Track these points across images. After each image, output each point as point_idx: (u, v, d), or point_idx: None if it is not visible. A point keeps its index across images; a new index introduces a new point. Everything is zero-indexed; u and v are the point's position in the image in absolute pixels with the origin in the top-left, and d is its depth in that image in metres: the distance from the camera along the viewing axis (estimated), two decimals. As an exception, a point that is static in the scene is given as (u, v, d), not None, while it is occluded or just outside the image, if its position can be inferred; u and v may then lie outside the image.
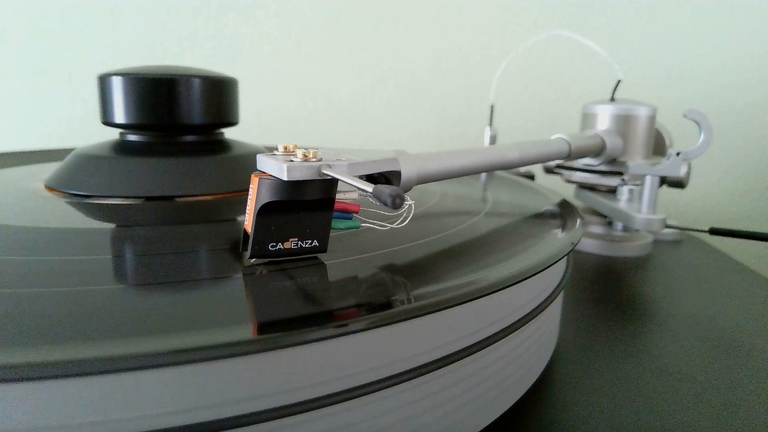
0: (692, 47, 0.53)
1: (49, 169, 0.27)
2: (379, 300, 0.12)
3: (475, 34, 0.54)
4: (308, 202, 0.14)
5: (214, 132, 0.26)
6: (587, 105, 0.35)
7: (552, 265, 0.16)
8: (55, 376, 0.09)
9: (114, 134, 0.26)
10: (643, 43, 0.54)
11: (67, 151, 0.35)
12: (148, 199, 0.21)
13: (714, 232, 0.31)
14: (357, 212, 0.16)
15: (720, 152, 0.54)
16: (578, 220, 0.21)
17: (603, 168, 0.34)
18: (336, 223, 0.15)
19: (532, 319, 0.16)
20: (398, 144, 0.56)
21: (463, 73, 0.55)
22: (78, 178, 0.22)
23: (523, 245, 0.17)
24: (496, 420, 0.16)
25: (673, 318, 0.24)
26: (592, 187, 0.37)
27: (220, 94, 0.24)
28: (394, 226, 0.16)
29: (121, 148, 0.24)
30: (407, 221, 0.16)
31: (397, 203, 0.12)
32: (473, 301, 0.13)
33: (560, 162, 0.37)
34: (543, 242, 0.18)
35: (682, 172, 0.31)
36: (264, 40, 0.53)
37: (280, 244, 0.14)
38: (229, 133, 0.27)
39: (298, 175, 0.13)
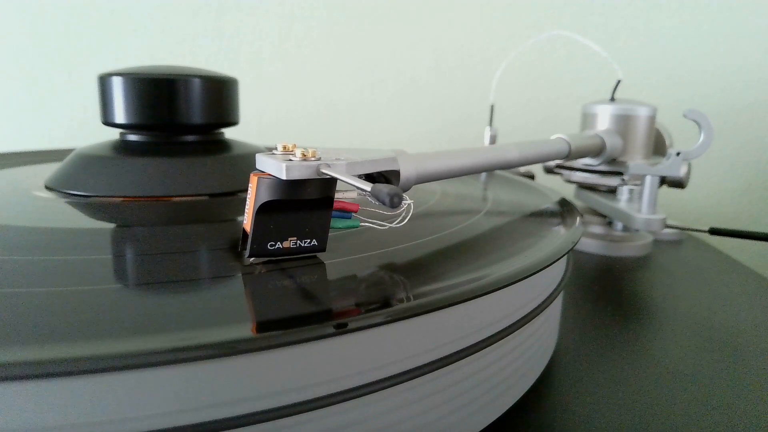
0: (692, 47, 0.53)
1: (49, 169, 0.27)
2: (379, 299, 0.12)
3: (475, 34, 0.54)
4: (307, 201, 0.14)
5: (214, 132, 0.26)
6: (587, 105, 0.35)
7: (552, 264, 0.16)
8: (55, 376, 0.09)
9: (114, 134, 0.26)
10: (643, 43, 0.54)
11: (67, 151, 0.35)
12: (148, 199, 0.21)
13: (714, 232, 0.31)
14: (356, 211, 0.16)
15: (720, 152, 0.54)
16: (578, 219, 0.21)
17: (603, 168, 0.34)
18: (335, 223, 0.15)
19: (532, 319, 0.16)
20: (398, 144, 0.56)
21: (463, 73, 0.55)
22: (78, 178, 0.22)
23: (523, 244, 0.17)
24: (496, 420, 0.16)
25: (673, 318, 0.24)
26: (592, 187, 0.37)
27: (220, 94, 0.24)
28: (393, 225, 0.16)
29: (122, 148, 0.24)
30: (406, 220, 0.16)
31: (395, 202, 0.12)
32: (473, 300, 0.13)
33: (560, 162, 0.37)
34: (543, 241, 0.18)
35: (682, 172, 0.31)
36: (264, 40, 0.53)
37: (279, 243, 0.14)
38: (229, 133, 0.27)
39: (297, 174, 0.13)
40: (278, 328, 0.11)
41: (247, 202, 0.14)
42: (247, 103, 0.51)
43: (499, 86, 0.47)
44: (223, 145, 0.25)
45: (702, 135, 0.30)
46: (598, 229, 0.37)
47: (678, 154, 0.30)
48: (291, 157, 0.14)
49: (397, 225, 0.16)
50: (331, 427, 0.12)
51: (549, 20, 0.53)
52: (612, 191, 0.36)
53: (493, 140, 0.40)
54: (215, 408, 0.10)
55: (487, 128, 0.40)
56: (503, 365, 0.16)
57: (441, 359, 0.13)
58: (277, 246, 0.14)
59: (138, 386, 0.10)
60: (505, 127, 0.52)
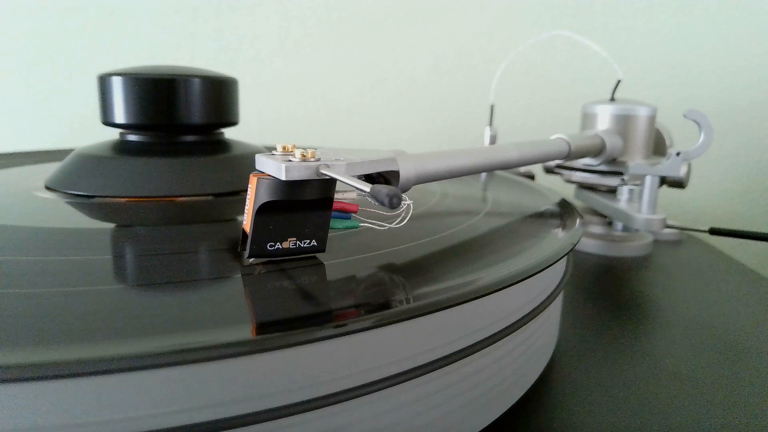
0: (692, 47, 0.53)
1: (49, 169, 0.27)
2: (378, 300, 0.12)
3: (475, 34, 0.54)
4: (306, 201, 0.14)
5: (214, 132, 0.26)
6: (587, 105, 0.35)
7: (552, 264, 0.16)
8: (55, 376, 0.09)
9: (114, 134, 0.26)
10: (643, 43, 0.53)
11: (67, 151, 0.35)
12: (148, 199, 0.21)
13: (714, 232, 0.31)
14: (355, 212, 0.16)
15: (720, 152, 0.54)
16: (578, 220, 0.21)
17: (603, 168, 0.34)
18: (334, 223, 0.15)
19: (532, 319, 0.16)
20: (398, 144, 0.56)
21: (463, 73, 0.55)
22: (78, 178, 0.22)
23: (523, 245, 0.17)
24: (496, 420, 0.16)
25: (672, 318, 0.24)
26: (592, 187, 0.37)
27: (220, 94, 0.24)
28: (392, 225, 0.16)
29: (121, 148, 0.24)
30: (405, 221, 0.16)
31: (394, 203, 0.12)
32: (473, 301, 0.13)
33: (560, 162, 0.37)
34: (543, 242, 0.18)
35: (682, 172, 0.31)
36: (264, 40, 0.53)
37: (278, 243, 0.14)
38: (229, 133, 0.27)
39: (296, 175, 0.13)
40: (278, 329, 0.11)
41: (247, 203, 0.14)
42: (247, 103, 0.51)
43: (499, 86, 0.47)
44: (223, 145, 0.25)
45: (702, 135, 0.30)
46: (598, 229, 0.37)
47: (678, 154, 0.30)
48: (290, 158, 0.14)
49: (397, 225, 0.16)
50: (331, 427, 0.12)
51: (549, 20, 0.53)
52: (612, 191, 0.36)
53: (493, 140, 0.40)
54: (215, 408, 0.10)
55: (487, 128, 0.40)
56: (503, 365, 0.16)
57: (441, 359, 0.13)
58: (276, 246, 0.14)
59: (138, 387, 0.10)
60: (505, 127, 0.52)
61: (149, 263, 0.14)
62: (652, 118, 0.34)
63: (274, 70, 0.54)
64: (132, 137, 0.24)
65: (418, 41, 0.54)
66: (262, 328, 0.11)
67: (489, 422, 0.16)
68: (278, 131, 0.55)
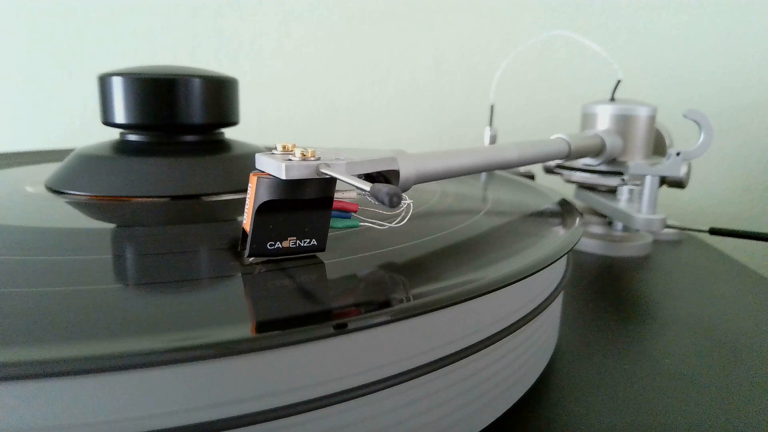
0: (692, 47, 0.53)
1: (50, 169, 0.27)
2: (378, 299, 0.12)
3: (475, 34, 0.54)
4: (307, 201, 0.14)
5: (214, 132, 0.26)
6: (587, 105, 0.35)
7: (552, 263, 0.16)
8: (55, 376, 0.09)
9: (114, 134, 0.26)
10: (643, 43, 0.53)
11: (67, 151, 0.35)
12: (148, 199, 0.21)
13: (714, 232, 0.31)
14: (356, 211, 0.16)
15: (720, 152, 0.54)
16: (578, 219, 0.21)
17: (603, 168, 0.34)
18: (334, 222, 0.15)
19: (532, 319, 0.16)
20: (398, 144, 0.56)
21: (463, 73, 0.55)
22: (78, 178, 0.22)
23: (523, 244, 0.17)
24: (496, 420, 0.16)
25: (672, 318, 0.24)
26: (592, 187, 0.37)
27: (220, 94, 0.24)
28: (392, 225, 0.16)
29: (122, 148, 0.24)
30: (406, 220, 0.16)
31: (394, 202, 0.12)
32: (473, 300, 0.13)
33: (560, 162, 0.37)
34: (543, 241, 0.18)
35: (682, 172, 0.31)
36: (264, 40, 0.53)
37: (278, 243, 0.14)
38: (229, 133, 0.27)
39: (296, 174, 0.13)
40: (278, 328, 0.11)
41: (247, 202, 0.14)
42: (247, 103, 0.51)
43: (499, 86, 0.47)
44: (223, 145, 0.25)
45: (702, 135, 0.30)
46: (598, 229, 0.37)
47: (678, 154, 0.30)
48: (290, 157, 0.14)
49: (397, 225, 0.16)
50: (331, 427, 0.12)
51: (549, 20, 0.53)
52: (612, 191, 0.36)
53: (493, 140, 0.40)
54: (215, 408, 0.10)
55: (487, 128, 0.40)
56: (503, 365, 0.16)
57: (441, 359, 0.13)
58: (276, 246, 0.14)
59: (138, 386, 0.10)
60: (505, 127, 0.52)
61: (149, 263, 0.14)
62: (652, 118, 0.34)
63: (274, 70, 0.54)
64: (132, 137, 0.24)
65: (418, 41, 0.54)
66: (262, 326, 0.11)
67: (489, 422, 0.16)
68: (278, 131, 0.55)
